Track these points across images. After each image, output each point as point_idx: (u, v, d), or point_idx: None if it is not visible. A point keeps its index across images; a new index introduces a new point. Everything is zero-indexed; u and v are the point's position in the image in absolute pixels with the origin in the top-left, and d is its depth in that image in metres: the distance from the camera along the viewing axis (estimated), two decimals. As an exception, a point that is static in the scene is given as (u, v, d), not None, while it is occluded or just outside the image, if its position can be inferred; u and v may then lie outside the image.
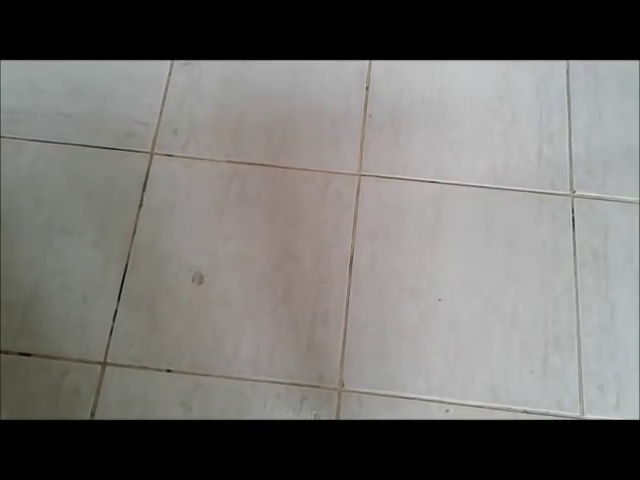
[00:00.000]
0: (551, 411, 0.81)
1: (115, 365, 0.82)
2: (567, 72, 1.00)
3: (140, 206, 0.91)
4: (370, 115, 0.96)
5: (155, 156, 0.94)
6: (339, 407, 0.81)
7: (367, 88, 0.98)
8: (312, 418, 0.81)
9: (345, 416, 0.81)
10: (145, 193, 0.91)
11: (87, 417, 0.80)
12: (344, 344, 0.84)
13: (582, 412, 0.81)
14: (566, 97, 0.99)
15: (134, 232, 0.89)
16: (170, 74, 0.98)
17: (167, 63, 0.99)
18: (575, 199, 0.91)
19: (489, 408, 0.81)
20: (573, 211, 0.91)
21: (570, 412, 0.81)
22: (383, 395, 0.82)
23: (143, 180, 0.92)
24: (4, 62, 0.98)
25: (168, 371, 0.82)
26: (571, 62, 1.01)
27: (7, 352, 0.83)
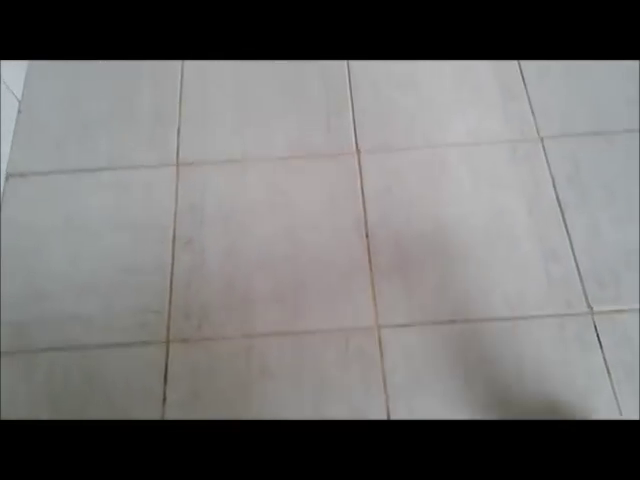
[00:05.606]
0: None
1: None
2: (554, 186, 1.03)
3: (164, 400, 0.89)
4: (375, 265, 0.97)
5: (171, 344, 0.93)
6: None
7: (367, 236, 1.00)
8: None
9: None
10: (167, 386, 0.90)
11: None
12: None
13: None
14: (559, 209, 1.01)
15: (162, 430, 0.86)
16: (173, 256, 0.99)
17: (169, 244, 1.00)
18: (595, 316, 0.91)
19: None
20: (596, 329, 0.91)
21: None
22: None
23: (163, 372, 0.90)
24: (6, 271, 0.98)
25: None
26: (554, 173, 1.04)
27: None
